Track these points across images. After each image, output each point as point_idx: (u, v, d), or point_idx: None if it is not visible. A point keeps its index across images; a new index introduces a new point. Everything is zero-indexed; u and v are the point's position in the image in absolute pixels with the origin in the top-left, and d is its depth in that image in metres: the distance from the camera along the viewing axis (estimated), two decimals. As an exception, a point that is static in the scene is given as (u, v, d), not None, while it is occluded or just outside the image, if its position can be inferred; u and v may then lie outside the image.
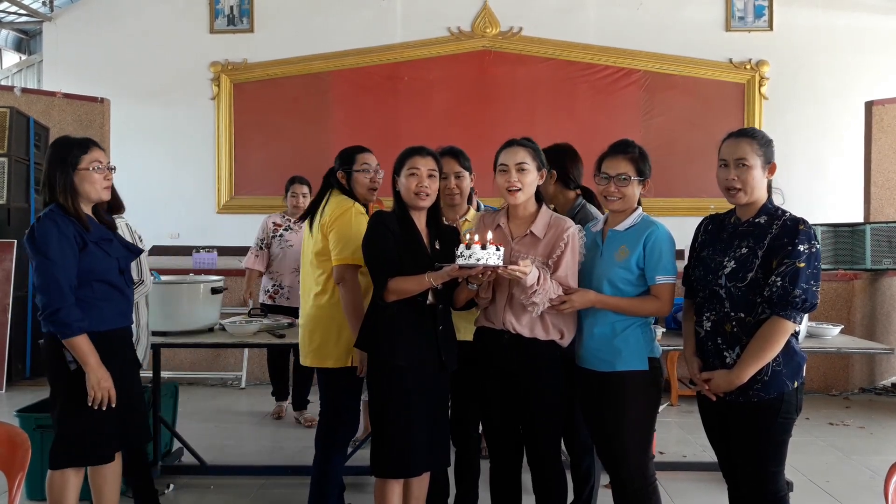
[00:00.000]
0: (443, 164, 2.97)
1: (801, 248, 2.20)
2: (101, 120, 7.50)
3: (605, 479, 3.15)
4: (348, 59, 9.07)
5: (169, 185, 9.15)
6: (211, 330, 3.49)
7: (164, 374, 5.26)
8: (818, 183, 8.55)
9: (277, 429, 4.74)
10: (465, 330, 2.83)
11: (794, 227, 2.24)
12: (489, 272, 2.26)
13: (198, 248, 6.13)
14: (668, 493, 3.59)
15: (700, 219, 2.57)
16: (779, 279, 2.20)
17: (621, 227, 2.52)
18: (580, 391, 2.59)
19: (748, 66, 8.97)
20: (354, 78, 9.09)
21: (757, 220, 2.33)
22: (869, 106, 7.15)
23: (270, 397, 5.07)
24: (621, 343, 2.46)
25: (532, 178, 2.48)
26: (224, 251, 8.63)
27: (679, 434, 4.84)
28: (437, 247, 2.57)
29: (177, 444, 3.95)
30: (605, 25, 8.97)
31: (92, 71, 9.01)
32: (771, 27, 8.91)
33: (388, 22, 9.08)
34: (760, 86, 8.95)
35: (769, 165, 2.33)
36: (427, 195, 2.55)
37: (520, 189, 2.47)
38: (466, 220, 3.05)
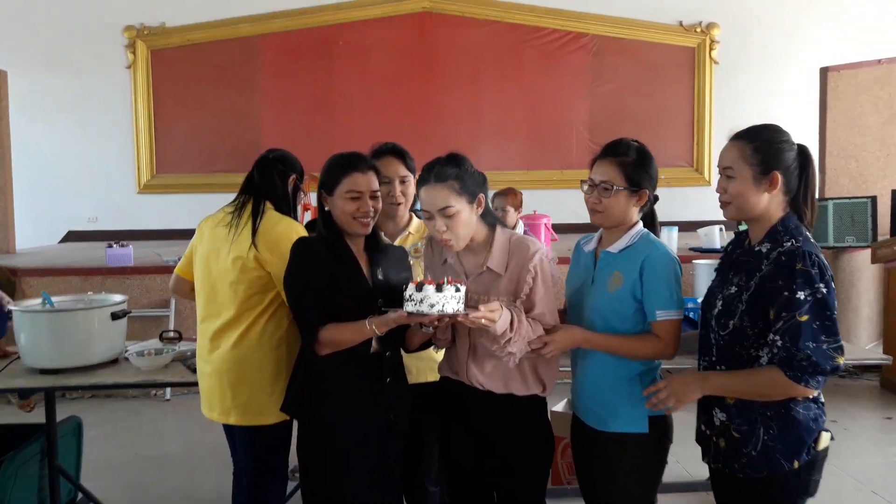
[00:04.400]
0: (385, 165, 2.49)
1: (800, 294, 1.70)
2: (-4, 94, 6.68)
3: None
4: (277, 21, 8.37)
5: (83, 163, 8.38)
6: (115, 361, 2.97)
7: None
8: (769, 151, 8.37)
9: (207, 456, 4.21)
10: (421, 370, 2.40)
11: (790, 266, 1.73)
12: (447, 319, 1.83)
13: (110, 243, 5.48)
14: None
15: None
16: (778, 338, 1.74)
17: (615, 247, 2.07)
18: (572, 437, 2.20)
19: (698, 30, 8.67)
20: (284, 42, 8.41)
21: (759, 248, 1.86)
22: (824, 72, 6.92)
23: (200, 411, 4.54)
24: (616, 397, 2.04)
25: (465, 217, 1.99)
26: (147, 235, 7.98)
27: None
28: (380, 276, 2.10)
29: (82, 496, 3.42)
30: (552, -15, 8.51)
31: (-16, 38, 8.08)
32: (721, -12, 8.61)
33: (321, -19, 8.41)
34: (711, 49, 8.68)
35: (768, 176, 1.81)
36: (370, 221, 2.09)
37: (453, 237, 1.99)
38: (410, 233, 2.58)
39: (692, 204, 7.68)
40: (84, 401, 5.07)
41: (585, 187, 2.09)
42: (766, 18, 8.51)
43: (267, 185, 2.43)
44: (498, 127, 8.53)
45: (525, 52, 8.60)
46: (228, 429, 2.49)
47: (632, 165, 2.03)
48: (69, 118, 8.31)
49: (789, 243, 1.78)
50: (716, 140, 8.59)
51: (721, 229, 5.36)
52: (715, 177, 7.88)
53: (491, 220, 2.09)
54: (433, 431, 2.29)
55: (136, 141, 8.38)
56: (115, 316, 2.93)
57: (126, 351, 3.03)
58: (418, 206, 3.22)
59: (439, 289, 1.78)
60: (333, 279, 2.01)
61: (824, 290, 1.73)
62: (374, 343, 2.01)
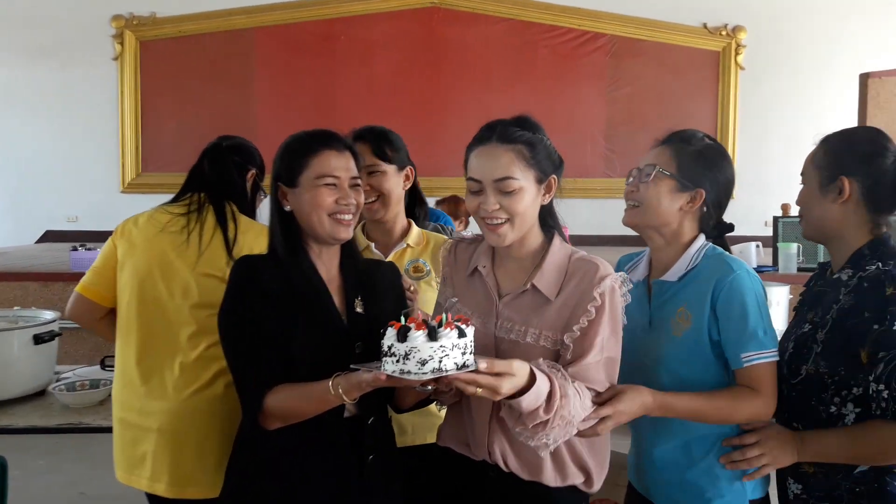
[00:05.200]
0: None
1: None
2: (-32, 83, 6.17)
3: None
4: (275, 13, 7.86)
5: (65, 159, 7.87)
6: (42, 393, 2.43)
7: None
8: (798, 164, 7.75)
9: None
10: (420, 429, 1.82)
11: (877, 292, 1.41)
12: (445, 382, 1.25)
13: (75, 246, 4.94)
14: None
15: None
16: (882, 387, 1.38)
17: (672, 273, 1.57)
18: None
19: (723, 33, 8.13)
20: (283, 36, 7.89)
21: (837, 276, 1.52)
22: (864, 79, 6.37)
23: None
24: (702, 477, 1.52)
25: (528, 200, 1.43)
26: (130, 237, 7.44)
27: None
28: (360, 308, 1.53)
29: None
30: (568, -18, 8.00)
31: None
32: (749, -11, 8.08)
33: (323, -29, 7.91)
34: (737, 54, 8.14)
35: (835, 183, 1.49)
36: (352, 219, 1.53)
37: (506, 222, 1.43)
38: (408, 245, 2.01)
39: (716, 218, 7.14)
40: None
41: (630, 179, 1.62)
42: (797, 22, 7.96)
43: (224, 181, 1.90)
44: (508, 131, 8.00)
45: (538, 51, 8.08)
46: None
47: (691, 154, 1.56)
48: (51, 111, 7.81)
49: (874, 266, 1.46)
50: (740, 149, 8.03)
51: (758, 246, 4.80)
52: (740, 191, 7.24)
53: (551, 224, 1.51)
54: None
55: (121, 137, 7.86)
56: (40, 339, 2.38)
57: (56, 381, 2.48)
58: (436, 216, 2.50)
59: (433, 335, 1.21)
60: (289, 315, 1.43)
61: None
62: (349, 405, 1.42)
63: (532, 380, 1.26)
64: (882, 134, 1.56)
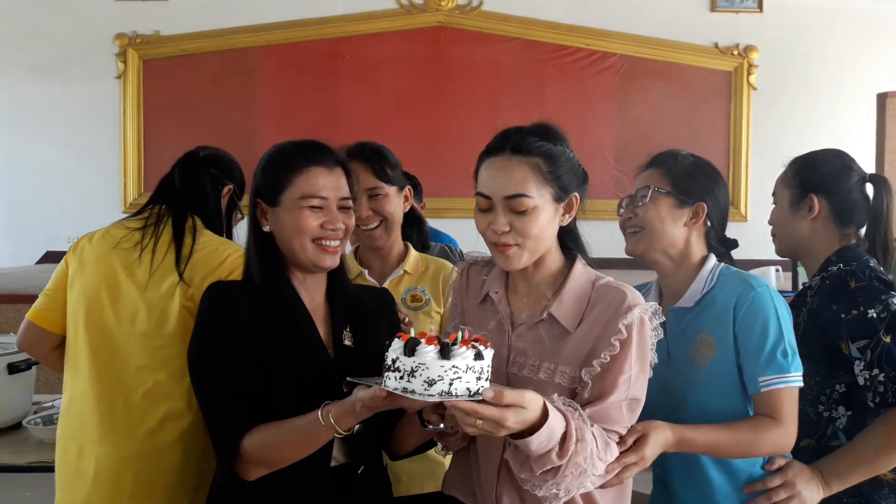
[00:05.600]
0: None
1: (872, 313, 1.47)
2: (-32, 101, 6.09)
3: None
4: (279, 32, 7.76)
5: (65, 178, 7.76)
6: (18, 427, 2.27)
7: None
8: (813, 184, 7.65)
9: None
10: (415, 477, 1.65)
11: (841, 287, 1.53)
12: (449, 417, 1.08)
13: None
14: None
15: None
16: (877, 371, 1.44)
17: (687, 299, 1.49)
18: None
19: (735, 52, 7.99)
20: (287, 55, 7.77)
21: (809, 284, 1.68)
22: (882, 98, 6.23)
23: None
24: None
25: (544, 221, 1.27)
26: (131, 258, 7.31)
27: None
28: (348, 340, 1.36)
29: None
30: (576, 2, 7.88)
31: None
32: (761, 8, 7.94)
33: (328, -10, 7.82)
34: (749, 74, 7.99)
35: (806, 200, 1.64)
36: (339, 246, 1.36)
37: (516, 246, 1.27)
38: (405, 272, 1.84)
39: (729, 240, 6.98)
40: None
41: (622, 210, 1.59)
42: (811, 41, 7.83)
43: (194, 192, 1.72)
44: (515, 151, 7.87)
45: (546, 71, 7.95)
46: None
47: (682, 169, 1.56)
48: (52, 129, 7.72)
49: (835, 268, 1.58)
50: (753, 171, 7.87)
51: (778, 270, 4.62)
52: (752, 212, 7.12)
53: (572, 245, 1.36)
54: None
55: (123, 156, 7.75)
56: (15, 368, 2.22)
57: (33, 413, 2.32)
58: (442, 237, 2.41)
59: (445, 352, 1.04)
60: (267, 349, 1.26)
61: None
62: (334, 451, 1.25)
63: (544, 417, 1.08)
64: (846, 155, 1.69)
